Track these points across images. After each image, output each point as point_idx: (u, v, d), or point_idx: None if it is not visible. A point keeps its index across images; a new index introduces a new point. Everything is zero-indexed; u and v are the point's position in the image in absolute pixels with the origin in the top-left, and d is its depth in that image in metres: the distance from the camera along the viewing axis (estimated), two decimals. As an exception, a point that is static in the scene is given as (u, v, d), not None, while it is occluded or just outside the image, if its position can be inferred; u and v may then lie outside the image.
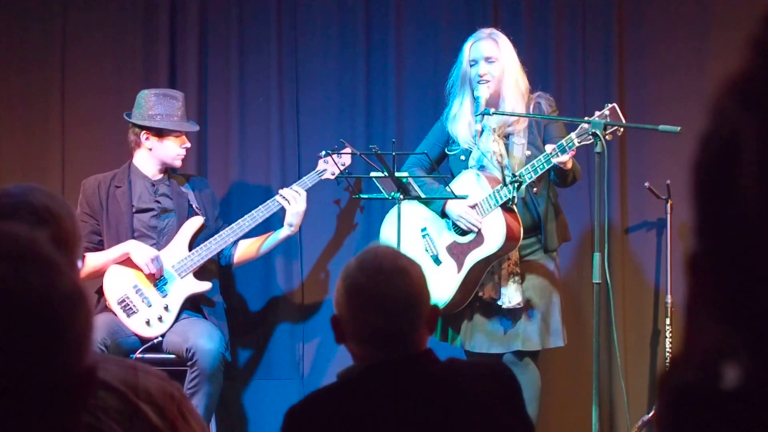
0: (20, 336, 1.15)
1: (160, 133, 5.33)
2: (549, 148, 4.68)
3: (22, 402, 1.15)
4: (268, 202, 5.43)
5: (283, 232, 5.44)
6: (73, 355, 1.19)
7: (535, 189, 4.92)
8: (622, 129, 4.63)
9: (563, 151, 4.63)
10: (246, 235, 5.43)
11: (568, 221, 5.19)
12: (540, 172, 4.74)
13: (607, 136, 4.53)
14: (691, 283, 0.92)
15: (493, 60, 4.94)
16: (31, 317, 1.16)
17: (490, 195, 4.84)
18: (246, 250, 5.49)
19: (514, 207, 4.85)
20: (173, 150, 5.35)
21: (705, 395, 0.88)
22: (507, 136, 4.98)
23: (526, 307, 4.93)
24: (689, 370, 0.91)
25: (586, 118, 4.63)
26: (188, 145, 5.41)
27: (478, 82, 4.92)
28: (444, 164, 5.19)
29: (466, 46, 5.00)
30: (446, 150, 5.11)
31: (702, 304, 0.91)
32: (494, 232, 4.87)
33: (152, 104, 5.31)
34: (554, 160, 4.65)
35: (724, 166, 0.88)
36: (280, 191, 5.44)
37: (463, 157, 5.02)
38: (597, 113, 4.62)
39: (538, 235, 4.98)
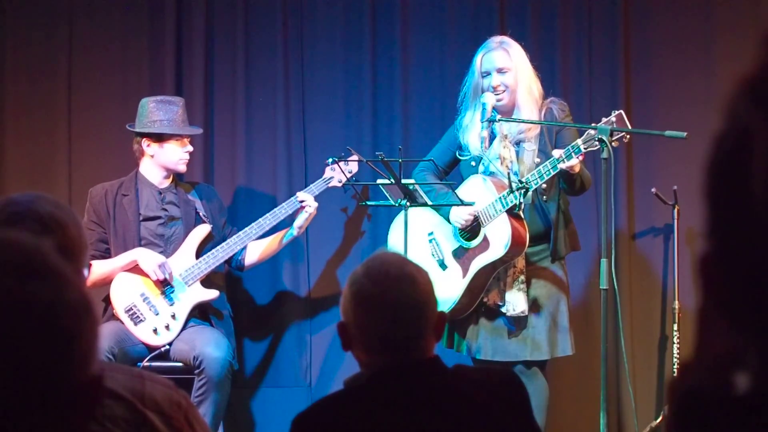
0: (28, 348, 1.14)
1: (160, 138, 5.33)
2: (557, 153, 4.67)
3: (30, 413, 1.15)
4: (275, 209, 5.44)
5: (291, 233, 5.44)
6: (81, 365, 1.18)
7: (545, 196, 4.91)
8: (628, 136, 4.62)
9: (569, 156, 4.62)
10: (262, 235, 5.44)
11: (575, 227, 5.18)
12: (546, 178, 4.72)
13: (613, 143, 4.52)
14: (702, 285, 0.91)
15: (505, 70, 4.93)
16: (39, 329, 1.15)
17: (496, 200, 4.84)
18: (261, 250, 5.49)
19: (521, 213, 4.85)
20: (175, 154, 5.35)
21: (714, 401, 0.87)
22: (518, 143, 4.97)
23: (534, 315, 4.92)
24: (699, 376, 0.90)
25: (592, 125, 4.62)
26: (190, 148, 5.41)
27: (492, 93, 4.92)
28: (455, 169, 5.19)
29: (478, 58, 4.99)
30: (458, 155, 5.11)
31: (713, 308, 0.90)
32: (500, 237, 4.86)
33: (152, 111, 5.33)
34: (560, 166, 4.64)
35: (736, 165, 0.87)
36: (299, 194, 5.43)
37: (473, 163, 5.02)
38: (604, 119, 4.60)
39: (547, 243, 4.96)
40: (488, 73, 4.95)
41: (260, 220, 5.40)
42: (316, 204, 5.41)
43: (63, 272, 1.20)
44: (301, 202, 5.39)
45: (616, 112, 4.63)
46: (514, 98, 4.95)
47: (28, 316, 1.15)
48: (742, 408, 0.85)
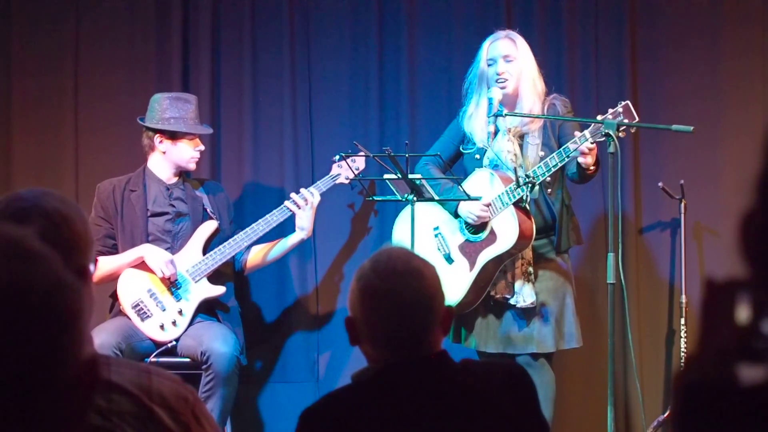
0: (15, 330, 1.14)
1: (173, 136, 5.33)
2: (572, 146, 4.67)
3: (18, 401, 1.14)
4: (282, 206, 5.44)
5: (295, 237, 5.45)
6: (69, 348, 1.18)
7: (549, 190, 4.92)
8: (634, 128, 4.63)
9: (569, 155, 4.66)
10: (260, 240, 5.44)
11: (582, 221, 5.19)
12: (553, 170, 4.73)
13: (620, 133, 4.54)
14: (740, 244, 0.90)
15: (510, 59, 4.96)
16: (24, 311, 1.15)
17: (502, 194, 4.84)
18: (256, 256, 5.50)
19: (527, 206, 4.85)
20: (187, 153, 5.36)
21: (719, 393, 0.87)
22: (522, 137, 4.98)
23: (539, 309, 4.93)
24: (703, 369, 0.90)
25: (599, 117, 4.63)
26: (202, 147, 5.42)
27: (496, 81, 4.93)
28: (458, 163, 5.20)
29: (484, 46, 5.02)
30: (461, 148, 5.12)
31: (749, 266, 0.89)
32: (507, 230, 4.87)
33: (165, 108, 5.32)
34: (580, 160, 4.65)
35: None
36: (291, 195, 5.45)
37: (477, 156, 5.03)
38: (610, 110, 4.62)
39: (551, 237, 4.97)
40: (494, 61, 4.97)
41: (267, 216, 5.41)
42: (310, 206, 5.40)
43: (46, 255, 1.20)
44: (296, 202, 5.39)
45: (623, 103, 4.65)
46: (518, 89, 4.96)
47: (12, 299, 1.15)
48: (745, 398, 0.85)
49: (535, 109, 4.94)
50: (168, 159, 5.37)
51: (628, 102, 4.67)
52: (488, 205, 4.90)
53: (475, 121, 5.02)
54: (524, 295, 4.90)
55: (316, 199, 5.44)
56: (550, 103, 5.00)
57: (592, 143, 4.62)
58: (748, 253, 0.90)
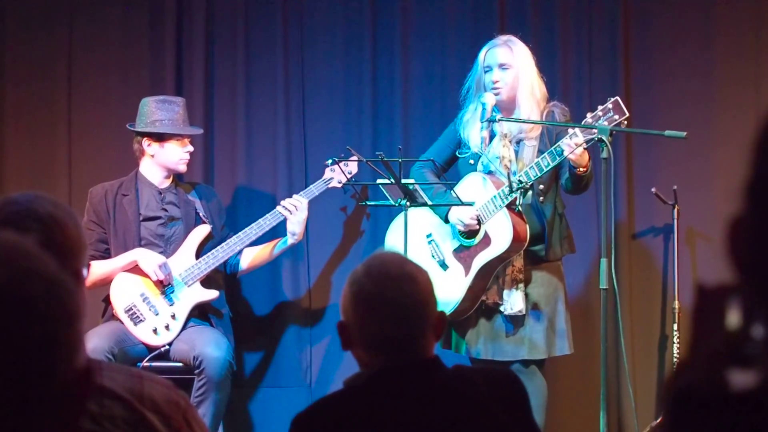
0: (9, 337, 1.14)
1: (161, 138, 5.34)
2: (565, 145, 4.67)
3: (13, 408, 1.14)
4: (274, 210, 5.44)
5: (287, 241, 5.45)
6: (64, 353, 1.18)
7: (542, 197, 4.91)
8: (625, 122, 4.64)
9: (560, 153, 4.66)
10: (252, 243, 5.43)
11: (575, 227, 5.18)
12: (545, 170, 4.73)
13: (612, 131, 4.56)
14: (728, 248, 0.90)
15: (506, 67, 4.94)
16: (20, 319, 1.15)
17: (494, 197, 4.84)
18: (252, 257, 5.49)
19: (520, 209, 4.85)
20: (175, 154, 5.35)
21: (710, 398, 0.87)
22: (518, 142, 4.97)
23: (531, 315, 4.92)
24: (694, 374, 0.90)
25: (589, 115, 4.64)
26: (190, 148, 5.41)
27: (492, 89, 4.92)
28: (453, 167, 5.19)
29: (482, 53, 5.01)
30: (457, 153, 5.11)
31: (736, 272, 0.89)
32: (501, 233, 4.86)
33: (152, 111, 5.33)
34: (566, 154, 4.65)
35: None
36: (281, 202, 5.44)
37: (472, 161, 5.03)
38: (600, 107, 4.62)
39: (543, 243, 4.96)
40: (490, 68, 4.97)
41: (259, 220, 5.41)
42: (301, 211, 5.39)
43: (43, 257, 1.20)
44: (287, 207, 5.39)
45: (612, 99, 4.65)
46: (515, 96, 4.95)
47: (12, 297, 1.14)
48: (737, 405, 0.85)
49: (533, 115, 4.92)
50: (157, 162, 5.37)
51: (618, 98, 4.67)
52: (477, 217, 4.90)
53: (471, 126, 5.02)
54: (513, 302, 4.90)
55: (305, 206, 5.42)
56: (548, 110, 4.98)
57: (585, 139, 4.62)
58: (739, 258, 0.90)
